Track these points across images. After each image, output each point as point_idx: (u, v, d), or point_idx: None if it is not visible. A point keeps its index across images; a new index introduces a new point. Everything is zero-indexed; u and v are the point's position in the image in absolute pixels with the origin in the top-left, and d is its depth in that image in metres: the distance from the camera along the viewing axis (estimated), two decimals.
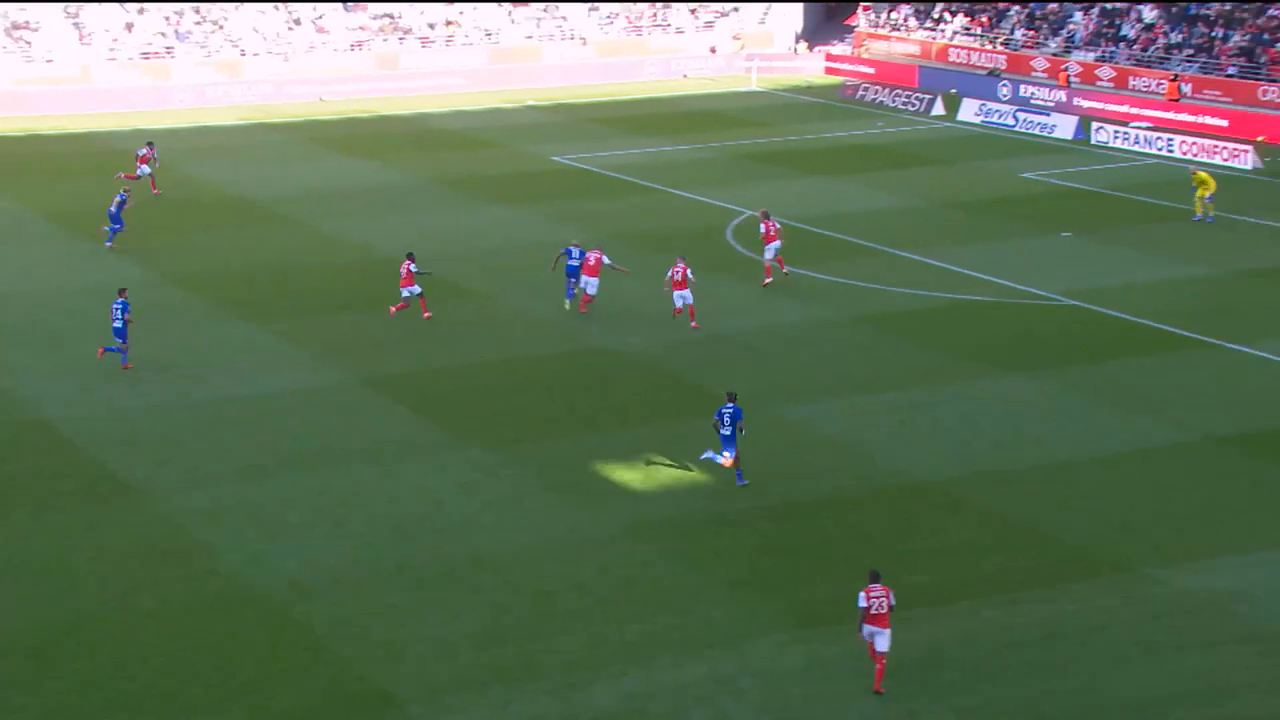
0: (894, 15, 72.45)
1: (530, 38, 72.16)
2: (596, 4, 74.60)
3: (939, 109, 59.90)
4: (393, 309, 32.49)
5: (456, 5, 72.32)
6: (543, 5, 73.86)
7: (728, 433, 23.81)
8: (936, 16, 70.27)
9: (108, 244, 38.54)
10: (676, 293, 31.85)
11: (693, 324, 31.92)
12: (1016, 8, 67.53)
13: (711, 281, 35.82)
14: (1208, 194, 41.26)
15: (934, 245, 38.67)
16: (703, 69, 72.01)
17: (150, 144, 45.79)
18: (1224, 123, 52.78)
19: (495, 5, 73.12)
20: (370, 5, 71.80)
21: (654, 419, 27.07)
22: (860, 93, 63.98)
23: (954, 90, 62.43)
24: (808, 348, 31.02)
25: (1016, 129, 55.88)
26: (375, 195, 46.18)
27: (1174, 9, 60.77)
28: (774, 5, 76.84)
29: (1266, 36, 56.50)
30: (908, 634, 19.39)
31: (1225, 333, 30.96)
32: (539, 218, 42.66)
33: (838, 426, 26.58)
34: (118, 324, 29.27)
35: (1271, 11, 57.34)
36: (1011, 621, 19.89)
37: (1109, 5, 63.74)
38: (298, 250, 39.30)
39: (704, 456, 24.39)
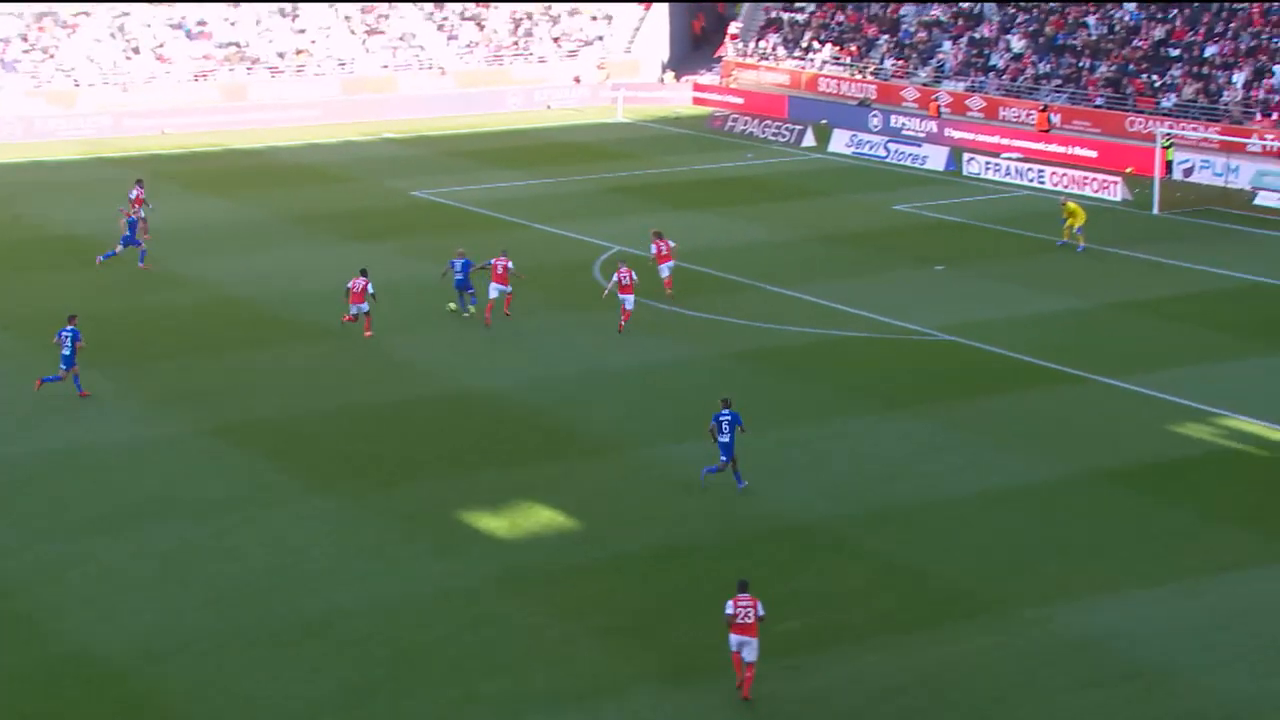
0: (762, 44, 73.66)
1: (386, 67, 71.88)
2: (478, 18, 74.62)
3: (810, 140, 60.94)
4: (345, 317, 34.47)
5: (308, 35, 71.74)
6: (399, 33, 73.63)
7: (726, 439, 24.99)
8: (805, 46, 71.60)
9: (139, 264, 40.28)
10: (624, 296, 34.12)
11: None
12: (885, 37, 69.12)
13: (580, 319, 35.96)
14: (1077, 225, 42.52)
15: (809, 280, 39.25)
16: (567, 99, 72.37)
17: (139, 181, 44.66)
18: (1093, 153, 54.53)
19: (349, 34, 72.72)
20: (215, 34, 70.90)
21: (523, 462, 26.98)
22: (729, 124, 64.83)
23: (824, 121, 63.59)
24: (684, 386, 31.21)
25: (888, 160, 57.09)
26: (223, 233, 45.52)
27: (1041, 39, 62.74)
28: (640, 34, 77.63)
29: (1132, 67, 58.58)
30: (791, 682, 19.54)
31: (1101, 367, 31.89)
32: (397, 255, 42.40)
33: (699, 467, 26.69)
34: (66, 351, 29.66)
35: (1136, 42, 59.49)
36: (894, 665, 20.16)
37: (977, 35, 65.58)
38: (141, 291, 38.55)
39: (705, 472, 25.33)
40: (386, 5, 74.63)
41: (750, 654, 18.99)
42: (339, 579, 22.52)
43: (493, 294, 35.07)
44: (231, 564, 22.99)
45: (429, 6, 75.67)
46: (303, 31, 71.91)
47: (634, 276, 34.52)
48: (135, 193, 43.87)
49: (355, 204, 49.78)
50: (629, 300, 34.39)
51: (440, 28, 74.70)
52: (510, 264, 35.04)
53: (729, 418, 25.00)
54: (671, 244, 37.46)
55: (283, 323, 35.75)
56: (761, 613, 19.07)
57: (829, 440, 28.08)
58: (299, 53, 70.89)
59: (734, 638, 19.09)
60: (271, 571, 22.69)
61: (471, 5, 76.08)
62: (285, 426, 28.82)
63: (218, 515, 24.62)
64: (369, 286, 34.20)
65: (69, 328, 30.07)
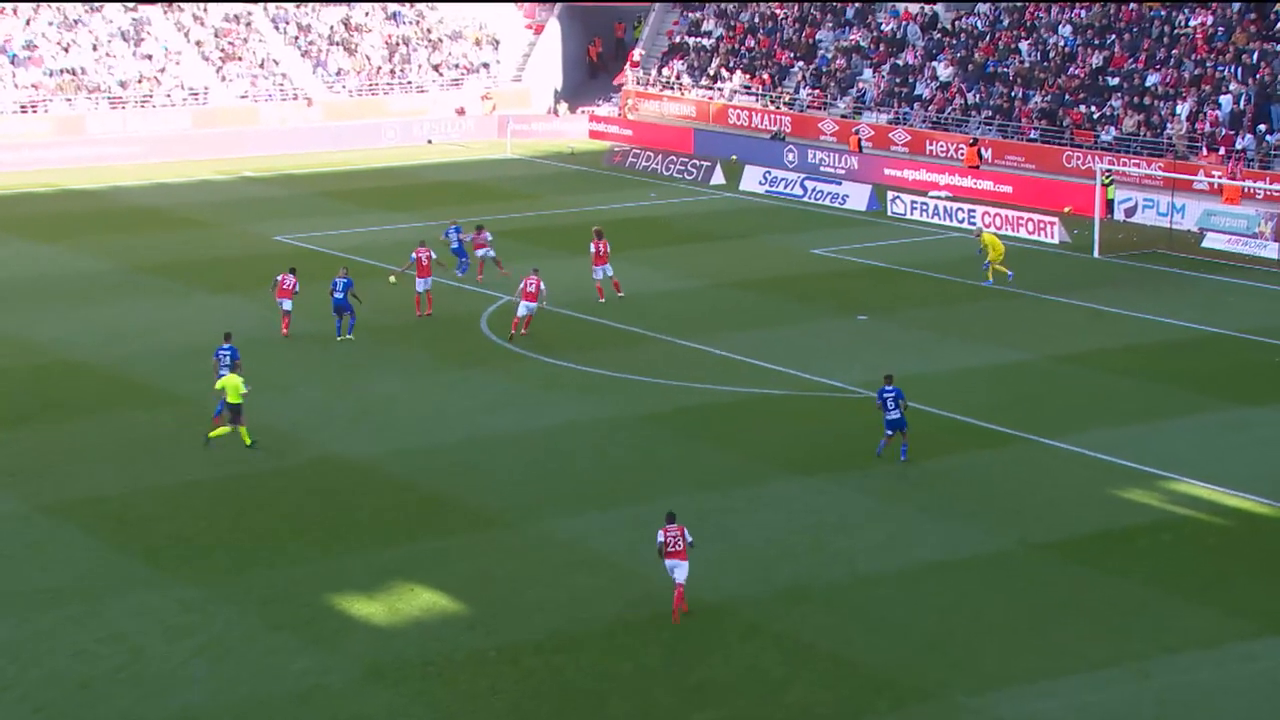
0: (665, 72, 74.37)
1: (244, 97, 71.54)
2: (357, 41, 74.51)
3: (719, 177, 61.51)
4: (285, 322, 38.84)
5: (154, 61, 71.22)
6: (259, 59, 73.36)
7: (895, 415, 29.73)
8: (713, 74, 72.39)
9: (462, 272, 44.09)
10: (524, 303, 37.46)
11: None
12: (801, 64, 70.10)
13: (465, 377, 35.89)
14: (999, 258, 43.43)
15: (718, 331, 39.48)
16: (450, 133, 72.48)
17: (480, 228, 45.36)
18: (1028, 191, 55.56)
19: (202, 60, 72.30)
20: (46, 59, 70.13)
21: (401, 539, 26.77)
22: (630, 160, 65.27)
23: (735, 157, 64.24)
24: (579, 451, 31.18)
25: (805, 199, 57.75)
26: (58, 286, 44.91)
27: (970, 67, 63.95)
28: (530, 61, 78.06)
29: (1069, 98, 59.87)
30: None
31: (1037, 426, 32.34)
32: (257, 307, 42.06)
33: (614, 542, 26.69)
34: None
35: (1073, 70, 60.85)
36: None
37: (900, 62, 66.74)
38: None
39: (880, 450, 30.09)
40: (245, 28, 74.34)
41: (681, 575, 23.66)
42: (187, 678, 22.11)
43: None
44: (61, 665, 22.48)
45: (290, 29, 75.46)
46: (149, 57, 71.40)
47: (541, 286, 38.04)
48: (470, 236, 44.74)
49: (210, 251, 49.33)
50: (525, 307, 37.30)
51: (306, 54, 74.58)
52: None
53: (893, 393, 29.91)
54: (608, 246, 41.77)
55: (126, 387, 35.30)
56: (689, 539, 23.73)
57: (739, 510, 28.14)
58: (142, 80, 70.25)
59: (667, 562, 23.64)
60: (109, 673, 22.21)
61: (341, 28, 76.01)
62: (126, 504, 28.36)
63: (44, 608, 24.10)
64: (296, 285, 38.95)
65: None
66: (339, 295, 38.13)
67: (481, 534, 27.10)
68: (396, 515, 27.94)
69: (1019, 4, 65.79)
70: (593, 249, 41.58)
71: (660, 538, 23.77)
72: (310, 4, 76.79)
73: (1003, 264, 44.08)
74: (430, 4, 79.12)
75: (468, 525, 27.43)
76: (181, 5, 74.52)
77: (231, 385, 30.89)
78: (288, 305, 38.93)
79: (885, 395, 30.05)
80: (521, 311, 38.25)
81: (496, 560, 26.03)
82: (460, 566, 25.69)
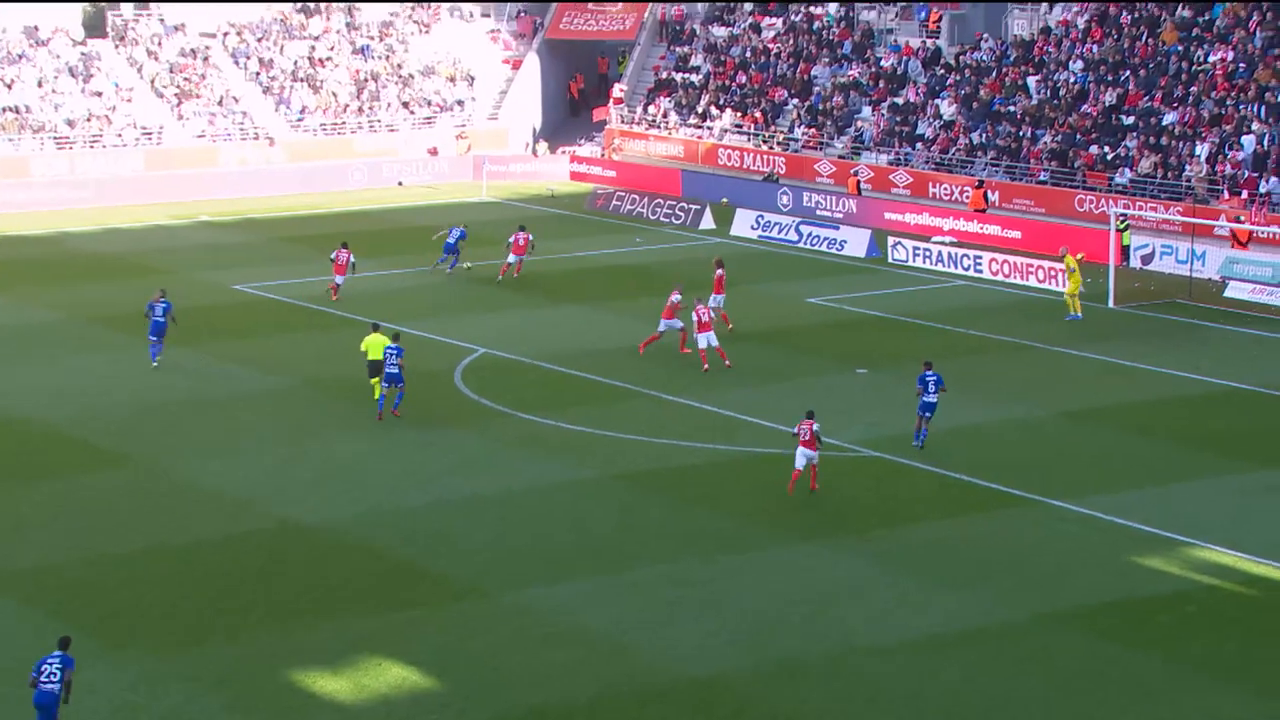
0: (651, 110, 74.75)
1: (202, 137, 71.74)
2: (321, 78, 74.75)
3: (708, 222, 61.71)
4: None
5: (105, 98, 71.41)
6: (218, 96, 73.62)
7: (932, 399, 33.85)
8: (702, 112, 72.78)
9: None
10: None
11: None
12: (795, 101, 70.51)
13: (441, 436, 35.87)
14: (1075, 289, 45.54)
15: (707, 386, 39.52)
16: (422, 175, 72.70)
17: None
18: (1038, 237, 55.78)
19: (156, 97, 72.54)
20: None
21: (368, 610, 26.67)
22: (613, 203, 65.48)
23: (725, 200, 64.48)
24: (558, 515, 31.12)
25: (800, 245, 57.94)
26: (1, 339, 44.81)
27: (974, 105, 64.38)
28: (507, 98, 78.43)
29: (1080, 138, 60.25)
30: None
31: (1049, 487, 32.36)
32: (215, 361, 42.05)
33: (593, 612, 26.61)
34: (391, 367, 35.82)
35: (1084, 108, 61.27)
36: None
37: (901, 99, 67.16)
38: None
39: (919, 443, 34.13)
40: (202, 63, 74.59)
41: (814, 461, 31.08)
42: None
43: (701, 344, 40.22)
44: None
45: (251, 64, 75.74)
46: (99, 94, 71.61)
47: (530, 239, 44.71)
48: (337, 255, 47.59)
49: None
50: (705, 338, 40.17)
51: (268, 90, 74.84)
52: (679, 296, 41.21)
53: (934, 378, 33.93)
54: (530, 237, 50.64)
55: (74, 447, 35.19)
56: (817, 428, 30.97)
57: (729, 578, 28.08)
58: (91, 118, 70.43)
59: (802, 452, 30.95)
60: None
61: (305, 63, 76.35)
62: (71, 573, 28.21)
63: None
64: (350, 257, 47.08)
65: (394, 345, 36.66)
66: (158, 319, 40.16)
67: (453, 604, 27.01)
68: (363, 584, 27.84)
69: (1027, 40, 66.29)
70: (511, 239, 46.94)
71: (794, 429, 31.12)
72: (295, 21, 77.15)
73: (1076, 297, 45.51)
74: (402, 40, 79.49)
75: (438, 595, 27.34)
76: (135, 39, 74.79)
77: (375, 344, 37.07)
78: (340, 279, 47.53)
79: (927, 379, 34.03)
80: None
81: (469, 632, 25.94)
82: (431, 639, 25.58)
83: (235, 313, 48.22)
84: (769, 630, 26.00)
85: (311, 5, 79.30)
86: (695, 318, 40.46)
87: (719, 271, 44.70)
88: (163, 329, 40.62)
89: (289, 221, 63.45)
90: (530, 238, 50.63)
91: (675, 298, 41.48)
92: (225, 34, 76.54)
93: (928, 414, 34.20)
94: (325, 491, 32.48)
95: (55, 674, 21.53)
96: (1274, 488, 32.61)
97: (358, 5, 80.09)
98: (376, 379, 36.96)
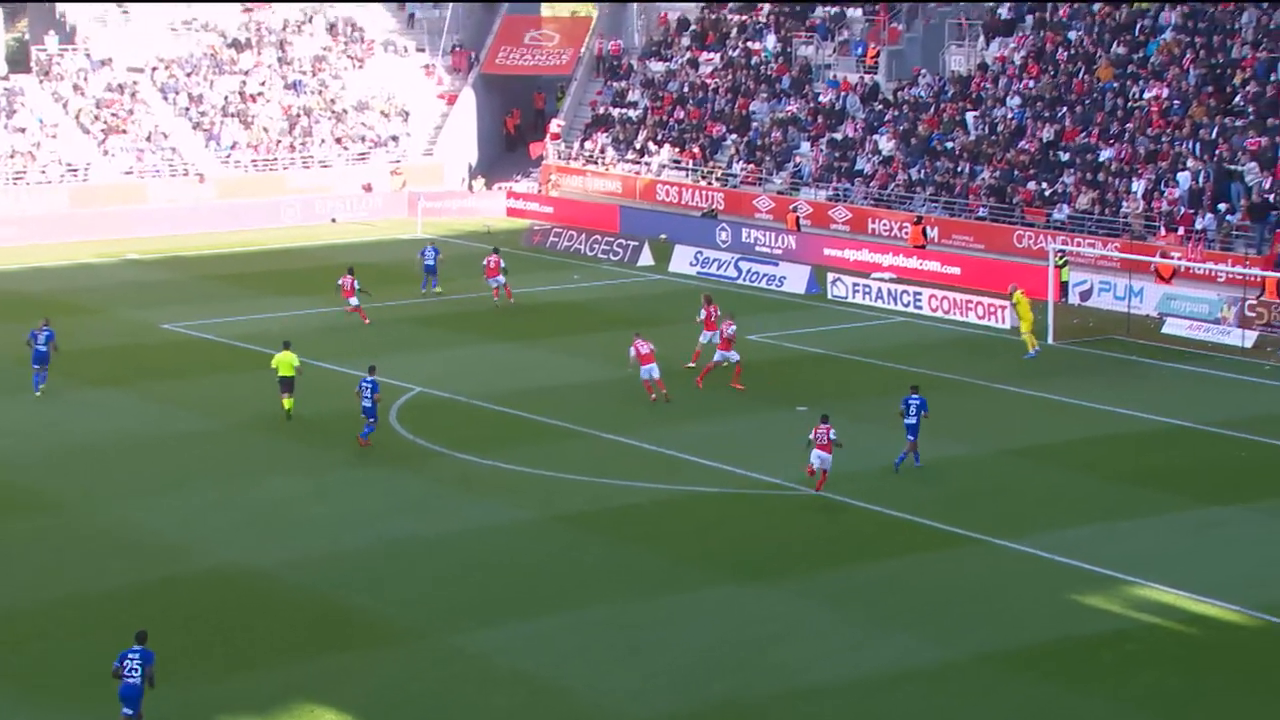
0: (589, 145, 74.91)
1: (129, 173, 71.30)
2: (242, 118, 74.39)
3: (647, 258, 61.83)
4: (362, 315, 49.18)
5: (28, 134, 70.85)
6: (145, 131, 73.21)
7: (913, 421, 35.08)
8: (640, 147, 72.99)
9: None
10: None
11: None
12: (734, 137, 70.83)
13: (376, 477, 35.72)
14: (1028, 327, 45.97)
15: (647, 425, 39.53)
16: (356, 211, 72.52)
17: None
18: (977, 273, 56.21)
19: (81, 133, 72.07)
20: None
21: (302, 656, 26.46)
22: (551, 239, 65.53)
23: (664, 236, 64.64)
24: (496, 557, 31.00)
25: (740, 281, 58.13)
26: None
27: (913, 140, 64.88)
28: (443, 133, 78.43)
29: (1018, 174, 60.82)
30: None
31: (990, 526, 32.51)
32: (143, 402, 41.75)
33: (533, 655, 26.50)
34: (368, 403, 36.93)
35: (1022, 144, 61.86)
36: None
37: (840, 135, 67.60)
38: None
39: (899, 463, 35.43)
40: (130, 98, 74.19)
41: (826, 464, 33.26)
42: None
43: (644, 376, 40.84)
44: None
45: (181, 99, 75.37)
46: (22, 130, 71.05)
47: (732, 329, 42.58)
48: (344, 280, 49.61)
49: (91, 341, 48.92)
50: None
51: (198, 126, 74.50)
52: (734, 327, 42.61)
53: (918, 401, 35.16)
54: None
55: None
56: (834, 435, 33.08)
57: (671, 619, 28.04)
58: (14, 154, 69.83)
59: (816, 454, 33.13)
60: None
61: (236, 99, 76.07)
62: None
63: None
64: (356, 283, 49.70)
65: (369, 379, 37.18)
66: (41, 347, 41.22)
67: (389, 648, 26.84)
68: (297, 629, 27.62)
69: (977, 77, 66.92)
70: (703, 314, 44.29)
71: (811, 434, 32.42)
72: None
73: (1031, 334, 46.09)
74: (336, 75, 79.37)
75: (374, 639, 27.16)
76: (60, 74, 74.30)
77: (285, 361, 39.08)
78: (354, 301, 49.58)
79: (910, 402, 35.31)
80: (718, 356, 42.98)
81: (406, 677, 25.77)
82: (366, 684, 25.41)
83: (164, 352, 47.89)
84: (711, 672, 25.96)
85: (242, 40, 79.04)
86: (635, 350, 40.89)
87: (709, 309, 44.47)
88: (45, 357, 41.46)
89: (219, 259, 63.13)
90: (501, 262, 52.84)
91: (731, 329, 42.49)
92: (154, 69, 76.17)
93: (910, 437, 35.36)
94: (257, 534, 32.24)
95: (136, 669, 22.93)
96: (1214, 525, 32.90)
97: (289, 41, 79.89)
98: (285, 396, 39.39)
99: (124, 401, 41.85)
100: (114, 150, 71.69)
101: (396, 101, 79.07)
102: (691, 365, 43.74)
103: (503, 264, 53.02)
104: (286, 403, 39.45)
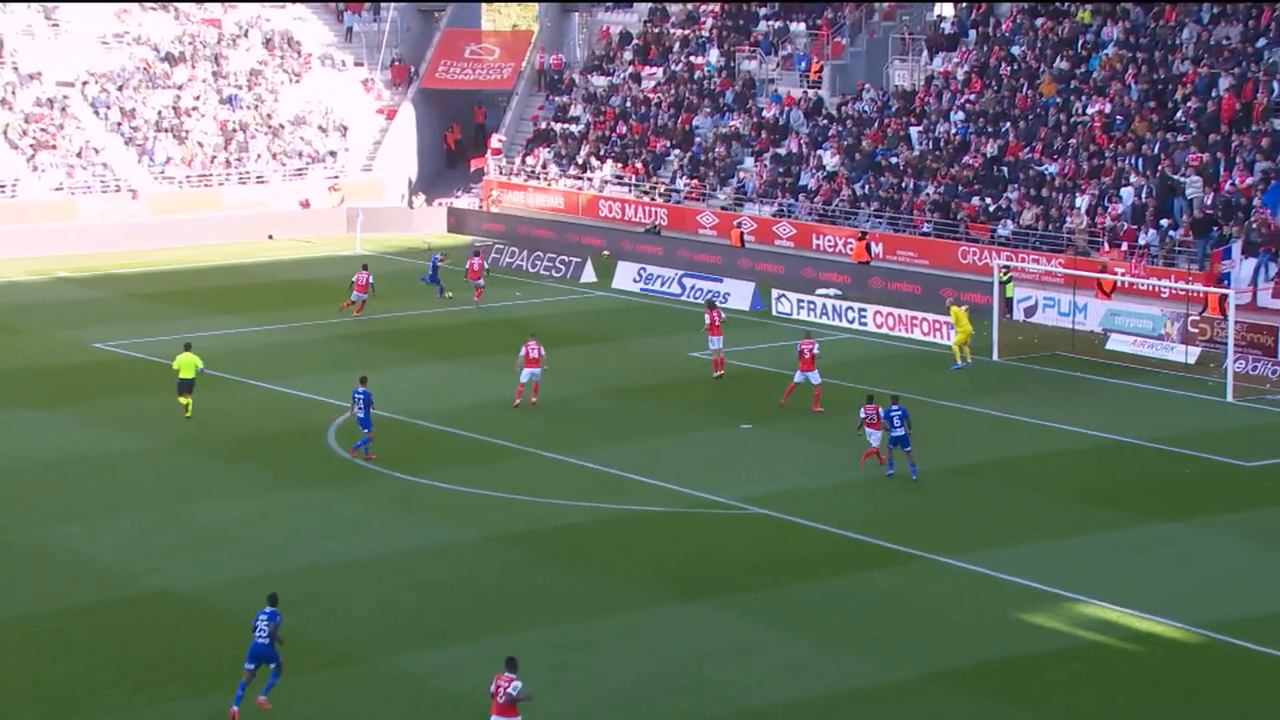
0: (531, 161, 74.98)
1: (60, 189, 70.80)
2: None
3: (589, 275, 61.93)
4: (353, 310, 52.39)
5: None
6: (76, 146, 72.78)
7: (900, 433, 35.57)
8: (582, 162, 73.12)
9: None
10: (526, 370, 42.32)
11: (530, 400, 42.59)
12: (677, 152, 71.06)
13: (314, 497, 35.61)
14: (964, 339, 46.51)
15: (590, 444, 39.57)
16: (293, 228, 72.26)
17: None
18: (920, 289, 56.59)
19: (9, 148, 71.58)
20: None
21: (236, 681, 26.32)
22: (492, 255, 65.53)
23: (607, 252, 64.76)
24: (438, 578, 30.96)
25: (683, 298, 58.29)
26: None
27: (857, 156, 65.29)
28: (382, 148, 78.28)
29: (962, 189, 61.28)
30: None
31: (935, 544, 32.68)
32: (75, 424, 41.48)
33: (477, 677, 26.41)
34: (361, 413, 37.72)
35: (966, 159, 62.36)
36: None
37: (784, 150, 67.93)
38: None
39: (889, 474, 36.28)
40: (60, 113, 73.71)
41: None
42: None
43: (524, 378, 42.37)
44: None
45: (113, 114, 74.88)
46: None
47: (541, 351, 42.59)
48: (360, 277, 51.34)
49: (20, 361, 48.61)
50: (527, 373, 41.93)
51: (130, 141, 74.10)
52: (816, 347, 42.96)
53: (900, 412, 35.71)
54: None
55: None
56: (882, 411, 34.11)
57: (616, 640, 28.09)
58: None
59: (871, 434, 34.61)
60: None
61: (169, 113, 75.74)
62: None
63: None
64: (370, 278, 53.49)
65: (361, 389, 37.46)
66: None
67: (329, 672, 26.77)
68: (234, 653, 27.46)
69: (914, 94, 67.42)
70: (707, 320, 45.99)
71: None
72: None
73: (966, 346, 46.73)
74: (273, 90, 79.12)
75: (313, 663, 27.06)
76: None
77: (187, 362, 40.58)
78: (358, 296, 53.55)
79: (893, 414, 35.79)
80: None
81: (346, 701, 25.72)
82: (305, 710, 25.32)
83: (96, 372, 47.61)
84: (657, 693, 26.02)
85: (175, 53, 78.69)
86: (524, 353, 42.31)
87: (711, 314, 46.28)
88: None
89: (153, 277, 62.78)
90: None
91: (816, 349, 42.90)
92: (84, 83, 75.67)
93: (904, 448, 36.06)
94: (193, 557, 32.08)
95: (264, 629, 24.93)
96: (1159, 542, 33.23)
97: (225, 54, 79.61)
98: (183, 397, 40.96)
99: (55, 422, 41.56)
100: (43, 166, 71.17)
101: (334, 116, 78.88)
102: (718, 375, 45.95)
103: (485, 266, 56.81)
104: (184, 401, 40.90)
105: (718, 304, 49.09)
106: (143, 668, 26.90)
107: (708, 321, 46.25)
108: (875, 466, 36.89)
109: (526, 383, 42.50)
